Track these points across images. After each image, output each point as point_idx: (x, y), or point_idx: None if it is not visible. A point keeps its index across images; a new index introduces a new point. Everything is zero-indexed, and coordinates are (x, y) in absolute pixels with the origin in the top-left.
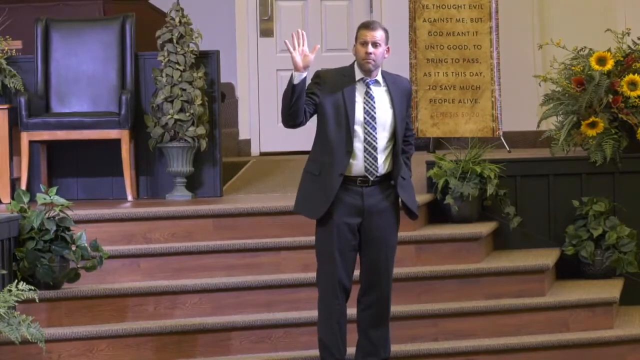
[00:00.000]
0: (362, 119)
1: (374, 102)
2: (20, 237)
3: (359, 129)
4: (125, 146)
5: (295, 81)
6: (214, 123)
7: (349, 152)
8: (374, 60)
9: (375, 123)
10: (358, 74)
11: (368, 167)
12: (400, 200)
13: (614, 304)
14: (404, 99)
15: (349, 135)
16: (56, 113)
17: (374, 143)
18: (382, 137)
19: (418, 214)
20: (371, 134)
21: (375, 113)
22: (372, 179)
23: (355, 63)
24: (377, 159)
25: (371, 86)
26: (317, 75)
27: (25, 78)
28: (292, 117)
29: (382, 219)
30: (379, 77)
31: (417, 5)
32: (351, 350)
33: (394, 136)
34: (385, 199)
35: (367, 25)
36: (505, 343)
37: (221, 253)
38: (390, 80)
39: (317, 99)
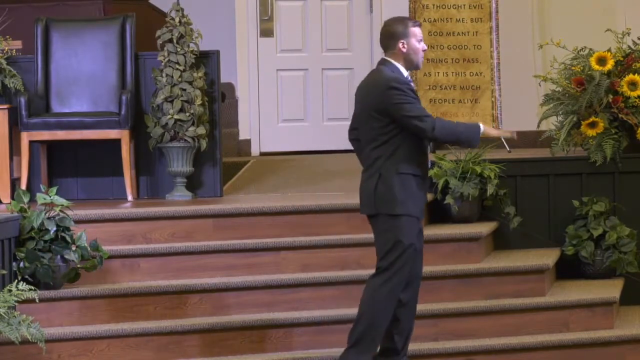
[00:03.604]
0: None
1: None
2: (20, 237)
3: None
4: (125, 146)
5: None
6: (214, 123)
7: (427, 145)
8: None
9: None
10: (404, 72)
11: None
12: None
13: (614, 304)
14: None
15: None
16: (56, 113)
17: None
18: None
19: None
20: None
21: None
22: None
23: (397, 61)
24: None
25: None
26: (405, 83)
27: (25, 78)
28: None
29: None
30: None
31: (417, 5)
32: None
33: None
34: None
35: (417, 23)
36: (505, 343)
37: (221, 253)
38: None
39: None
